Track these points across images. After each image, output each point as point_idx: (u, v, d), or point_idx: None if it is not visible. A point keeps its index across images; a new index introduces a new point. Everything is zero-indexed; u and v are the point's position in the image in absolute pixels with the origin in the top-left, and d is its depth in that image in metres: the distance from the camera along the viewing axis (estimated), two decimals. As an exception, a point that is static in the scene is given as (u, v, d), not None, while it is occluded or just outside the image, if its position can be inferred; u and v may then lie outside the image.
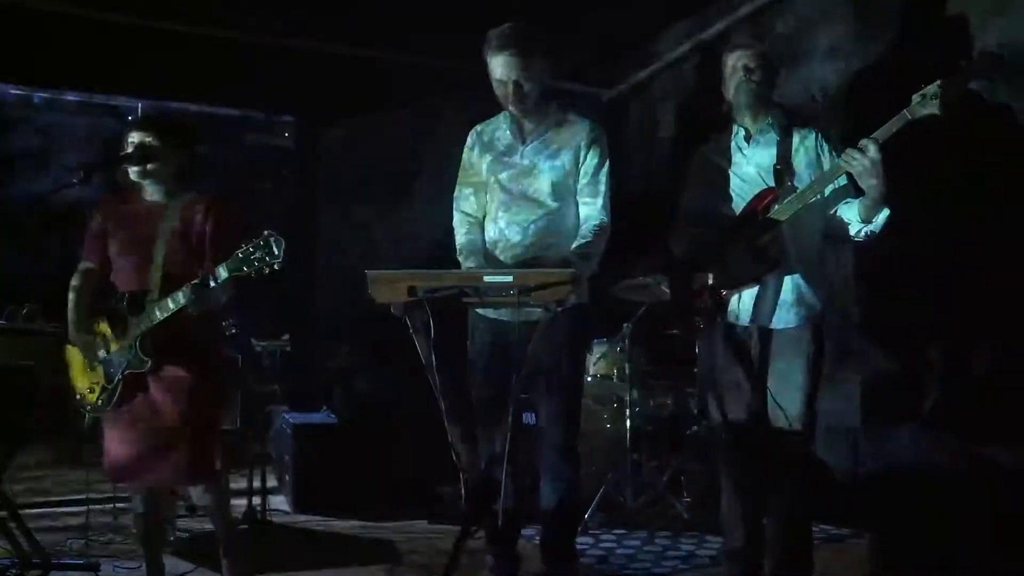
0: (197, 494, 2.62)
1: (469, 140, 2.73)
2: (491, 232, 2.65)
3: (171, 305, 2.42)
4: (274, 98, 5.43)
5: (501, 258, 2.59)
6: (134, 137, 2.60)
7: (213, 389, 2.61)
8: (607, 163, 2.60)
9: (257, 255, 2.26)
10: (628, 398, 3.93)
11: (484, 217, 2.69)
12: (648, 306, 3.95)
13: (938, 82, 2.17)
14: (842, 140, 2.39)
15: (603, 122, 2.71)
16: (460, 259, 2.67)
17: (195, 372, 2.52)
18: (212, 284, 2.35)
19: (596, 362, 4.23)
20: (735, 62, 2.54)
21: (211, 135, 5.82)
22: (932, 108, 2.18)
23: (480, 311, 2.60)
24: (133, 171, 2.60)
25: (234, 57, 4.76)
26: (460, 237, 2.69)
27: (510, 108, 2.58)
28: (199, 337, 2.56)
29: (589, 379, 4.15)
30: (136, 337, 2.49)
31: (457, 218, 2.72)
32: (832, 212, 2.51)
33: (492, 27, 2.52)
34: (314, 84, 5.13)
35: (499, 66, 2.48)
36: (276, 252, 2.24)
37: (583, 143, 2.58)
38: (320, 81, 5.10)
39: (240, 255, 2.28)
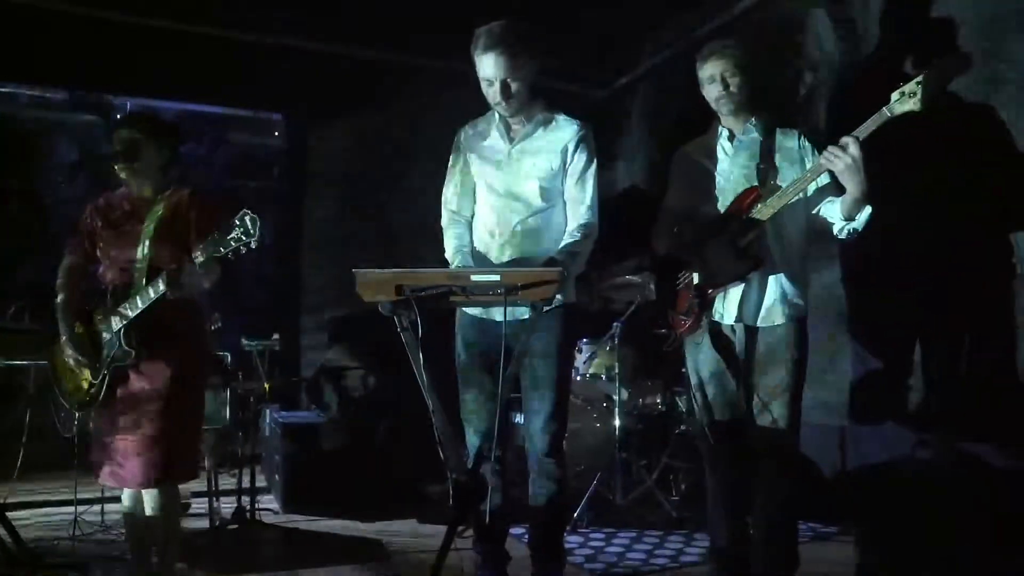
0: (148, 499, 2.56)
1: (457, 140, 2.74)
2: (479, 231, 2.66)
3: (151, 293, 2.42)
4: (264, 97, 5.42)
5: (489, 257, 2.60)
6: (121, 134, 2.60)
7: (190, 390, 2.60)
8: (594, 164, 2.61)
9: (233, 235, 2.25)
10: (617, 397, 3.94)
11: (472, 216, 2.70)
12: (638, 305, 3.96)
13: (917, 79, 2.19)
14: (826, 138, 2.40)
15: (596, 122, 2.72)
16: (448, 258, 2.67)
17: (175, 371, 2.52)
18: (188, 267, 2.34)
19: (585, 361, 4.24)
20: (712, 71, 2.55)
21: (200, 133, 5.82)
22: (912, 105, 2.19)
23: (468, 310, 2.61)
24: (120, 168, 2.60)
25: (223, 55, 4.76)
26: (448, 236, 2.69)
27: (497, 108, 2.59)
28: (183, 332, 2.56)
29: (578, 378, 4.16)
30: (119, 329, 2.49)
31: (445, 217, 2.72)
32: (815, 211, 2.52)
33: (490, 20, 2.52)
34: (304, 83, 5.13)
35: (486, 65, 2.48)
36: (252, 231, 2.24)
37: (571, 144, 2.58)
38: (310, 80, 5.10)
39: (217, 235, 2.27)
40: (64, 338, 2.58)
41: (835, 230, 2.46)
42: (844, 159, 2.26)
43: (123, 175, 2.63)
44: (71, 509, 3.55)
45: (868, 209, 2.38)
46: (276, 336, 4.19)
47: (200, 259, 2.31)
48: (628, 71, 5.49)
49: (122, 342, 2.48)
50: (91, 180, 2.86)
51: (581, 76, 5.43)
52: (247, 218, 2.23)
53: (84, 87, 5.26)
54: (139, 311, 2.45)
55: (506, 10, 2.54)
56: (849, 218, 2.40)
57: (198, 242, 2.35)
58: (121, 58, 4.60)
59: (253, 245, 2.24)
